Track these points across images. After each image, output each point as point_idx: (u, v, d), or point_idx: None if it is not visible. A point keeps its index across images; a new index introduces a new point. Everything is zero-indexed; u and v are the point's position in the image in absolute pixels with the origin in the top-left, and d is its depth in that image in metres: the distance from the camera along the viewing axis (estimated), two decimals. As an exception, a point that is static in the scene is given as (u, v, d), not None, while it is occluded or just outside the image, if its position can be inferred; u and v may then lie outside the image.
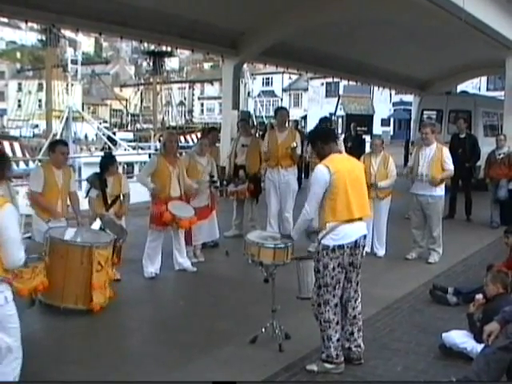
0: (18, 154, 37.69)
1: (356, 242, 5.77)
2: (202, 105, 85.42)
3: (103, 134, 42.51)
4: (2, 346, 4.57)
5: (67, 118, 39.49)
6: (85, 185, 9.22)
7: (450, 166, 9.98)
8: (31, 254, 5.89)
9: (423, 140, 10.11)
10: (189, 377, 5.63)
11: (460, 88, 28.16)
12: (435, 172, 9.83)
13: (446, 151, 10.07)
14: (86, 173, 18.83)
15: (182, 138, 41.47)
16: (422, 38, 17.30)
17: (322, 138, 6.08)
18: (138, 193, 10.33)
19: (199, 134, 32.19)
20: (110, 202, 8.64)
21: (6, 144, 38.18)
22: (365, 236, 5.96)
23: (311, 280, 6.08)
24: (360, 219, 5.85)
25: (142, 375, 5.65)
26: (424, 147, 10.05)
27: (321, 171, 5.75)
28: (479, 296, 6.29)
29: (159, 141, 38.59)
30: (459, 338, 6.13)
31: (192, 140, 43.57)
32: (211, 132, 12.11)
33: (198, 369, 5.83)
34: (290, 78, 75.54)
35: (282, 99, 74.70)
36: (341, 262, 5.70)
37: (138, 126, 63.71)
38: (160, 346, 6.50)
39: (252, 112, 51.82)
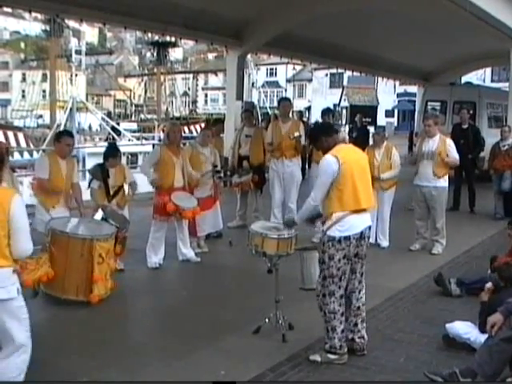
0: (22, 144, 37.75)
1: (362, 233, 5.77)
2: (206, 95, 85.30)
3: (107, 124, 42.51)
4: (20, 337, 4.60)
5: (71, 109, 39.58)
6: (88, 175, 9.23)
7: (454, 154, 9.96)
8: (35, 245, 5.90)
9: (426, 132, 10.10)
10: (192, 367, 5.65)
11: (464, 79, 28.09)
12: (439, 163, 9.82)
13: (449, 142, 10.06)
14: (90, 163, 18.89)
15: (185, 129, 41.42)
16: (426, 28, 17.24)
17: (323, 132, 6.07)
18: (141, 183, 10.33)
19: (203, 125, 32.25)
20: (112, 192, 8.64)
21: (11, 134, 38.24)
22: (369, 227, 5.96)
23: (315, 271, 6.08)
24: (365, 210, 5.84)
25: (144, 365, 5.67)
26: (427, 139, 10.03)
27: (329, 161, 5.71)
28: (489, 284, 6.28)
29: (163, 131, 38.60)
30: (462, 328, 6.13)
31: (196, 130, 43.50)
32: (217, 124, 12.08)
33: (201, 359, 5.84)
34: (294, 68, 75.37)
35: (285, 90, 74.60)
36: (347, 254, 5.69)
37: (142, 116, 63.60)
38: (163, 335, 6.53)
39: (256, 103, 51.77)
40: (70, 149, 8.31)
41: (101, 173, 8.60)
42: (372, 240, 9.97)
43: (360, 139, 17.24)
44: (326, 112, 11.94)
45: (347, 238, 5.67)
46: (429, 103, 20.70)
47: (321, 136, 6.05)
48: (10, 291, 4.51)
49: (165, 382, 5.35)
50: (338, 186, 5.66)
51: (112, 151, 8.96)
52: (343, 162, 5.66)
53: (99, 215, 8.18)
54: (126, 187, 8.86)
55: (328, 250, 5.69)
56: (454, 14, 13.41)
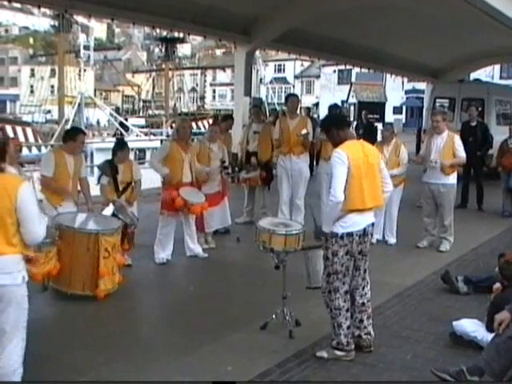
0: (31, 139, 37.84)
1: (365, 229, 5.75)
2: (214, 91, 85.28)
3: (115, 120, 42.58)
4: (19, 325, 4.61)
5: (79, 104, 39.67)
6: (97, 171, 9.25)
7: (461, 153, 9.93)
8: (44, 239, 5.91)
9: (434, 128, 10.05)
10: (198, 362, 5.66)
11: (473, 76, 27.96)
12: (446, 160, 9.79)
13: (457, 139, 10.01)
14: (98, 158, 18.91)
15: (193, 125, 41.45)
16: (435, 25, 17.15)
17: (336, 125, 5.98)
18: (150, 179, 10.37)
19: (211, 121, 32.25)
20: (121, 188, 8.66)
21: (19, 129, 38.34)
22: (373, 224, 5.93)
23: (320, 269, 6.08)
24: (371, 209, 5.81)
25: (151, 360, 5.69)
26: (435, 135, 9.99)
27: (339, 154, 5.64)
28: (497, 285, 6.26)
29: (171, 127, 38.68)
30: (470, 326, 6.12)
31: (204, 126, 43.55)
32: (226, 120, 12.09)
33: (208, 354, 5.85)
34: (302, 64, 75.35)
35: (293, 86, 74.53)
36: (349, 250, 5.68)
37: (150, 112, 63.77)
38: (170, 331, 6.54)
39: (264, 99, 51.76)
40: (83, 146, 8.35)
41: (110, 169, 8.62)
42: (380, 237, 10.02)
43: (366, 136, 17.19)
44: (333, 108, 11.93)
45: (350, 235, 5.66)
46: (437, 100, 20.62)
47: (332, 128, 5.97)
48: (16, 278, 4.51)
49: (165, 381, 5.34)
50: (345, 184, 5.60)
51: (120, 145, 8.97)
52: (351, 158, 5.61)
53: (110, 210, 8.19)
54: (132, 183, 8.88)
55: (331, 247, 5.69)
56: (463, 10, 13.36)
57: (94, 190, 8.65)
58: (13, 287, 4.51)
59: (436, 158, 9.82)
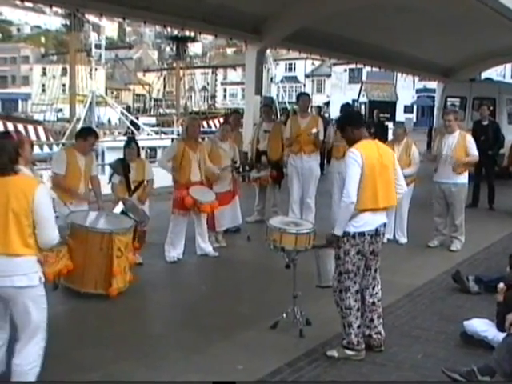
0: (42, 137, 38.01)
1: (377, 229, 5.74)
2: (225, 90, 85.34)
3: (126, 119, 42.67)
4: (39, 322, 4.66)
5: (90, 103, 39.77)
6: (108, 170, 9.27)
7: (474, 151, 9.90)
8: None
9: (446, 128, 10.00)
10: (209, 361, 5.67)
11: (484, 75, 27.87)
12: (459, 159, 9.76)
13: (469, 138, 9.97)
14: (109, 157, 18.99)
15: (204, 123, 41.48)
16: (446, 24, 17.10)
17: (352, 123, 5.94)
18: (161, 178, 10.37)
19: (222, 119, 32.28)
20: (132, 187, 8.68)
21: (31, 128, 38.49)
22: (384, 224, 5.91)
23: (330, 268, 6.07)
24: (383, 209, 5.80)
25: (161, 357, 5.71)
26: (446, 135, 9.95)
27: (354, 154, 5.62)
28: (501, 285, 6.24)
29: (182, 126, 38.68)
30: (481, 326, 6.11)
31: (214, 125, 43.56)
32: (233, 115, 12.09)
33: (219, 353, 5.87)
34: (312, 63, 75.25)
35: (304, 85, 74.43)
36: (361, 250, 5.68)
37: (161, 110, 63.74)
38: (181, 329, 6.56)
39: (275, 98, 51.74)
40: (93, 147, 8.38)
41: (122, 167, 8.64)
42: (390, 236, 10.00)
43: (377, 135, 17.16)
44: (345, 107, 11.90)
45: (362, 234, 5.65)
46: (448, 99, 20.57)
47: (347, 126, 5.94)
48: (33, 279, 4.57)
49: (165, 381, 5.35)
50: (359, 183, 5.58)
51: (127, 142, 8.98)
52: (365, 158, 5.59)
53: (119, 208, 8.22)
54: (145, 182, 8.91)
55: (343, 246, 5.68)
56: (474, 9, 13.31)
57: (106, 189, 8.68)
58: (30, 288, 4.57)
59: (448, 157, 9.79)
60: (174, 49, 55.83)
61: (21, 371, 4.67)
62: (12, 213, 4.46)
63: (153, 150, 29.05)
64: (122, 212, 8.13)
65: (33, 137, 34.98)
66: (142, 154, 14.20)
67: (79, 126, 30.40)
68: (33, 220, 4.52)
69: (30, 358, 4.67)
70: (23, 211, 4.48)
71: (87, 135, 8.13)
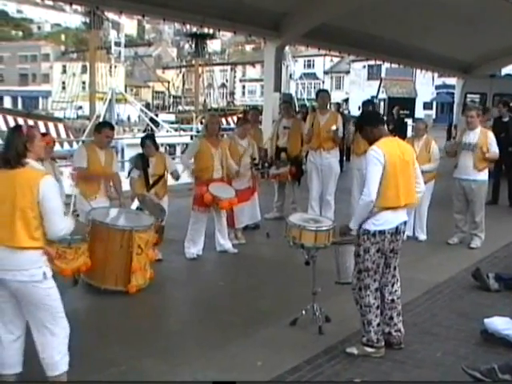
0: (63, 135, 38.14)
1: (397, 228, 5.72)
2: (244, 87, 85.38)
3: (146, 116, 42.78)
4: (56, 316, 4.71)
5: (110, 100, 39.87)
6: (127, 166, 9.31)
7: (494, 148, 9.82)
8: (75, 235, 5.98)
9: (468, 124, 9.92)
10: (229, 357, 5.70)
11: (504, 71, 27.64)
12: (479, 156, 9.69)
13: (490, 134, 9.90)
14: (129, 154, 19.04)
15: (223, 120, 41.50)
16: (466, 19, 16.99)
17: (370, 123, 5.93)
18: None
19: (239, 116, 32.25)
20: (151, 182, 8.71)
21: (51, 125, 38.71)
22: (405, 222, 5.90)
23: (350, 264, 6.07)
24: (404, 207, 5.78)
25: (181, 354, 5.73)
26: (468, 131, 9.89)
27: (376, 151, 5.60)
28: None
29: (201, 123, 38.73)
30: (502, 324, 6.07)
31: (233, 122, 43.55)
32: (251, 111, 12.12)
33: (238, 349, 5.89)
34: (331, 60, 75.08)
35: (323, 82, 74.35)
36: (381, 248, 5.66)
37: (180, 107, 63.79)
38: (200, 325, 6.58)
39: (293, 94, 51.63)
40: (109, 140, 8.43)
41: (141, 162, 8.68)
42: (410, 233, 9.95)
43: (396, 132, 17.10)
44: (366, 103, 11.88)
45: (382, 233, 5.64)
46: (468, 95, 20.44)
47: (365, 126, 5.95)
48: (34, 275, 4.57)
49: (164, 382, 5.36)
50: (381, 180, 5.57)
51: (142, 142, 9.00)
52: (387, 155, 5.58)
53: (135, 205, 8.27)
54: (167, 176, 8.93)
55: (363, 244, 5.68)
56: (495, 4, 13.21)
57: (125, 185, 8.72)
58: (33, 283, 4.57)
59: (468, 155, 9.72)
60: (193, 46, 55.82)
61: (48, 363, 4.75)
62: (18, 205, 4.50)
63: (172, 146, 29.12)
64: (137, 208, 8.18)
65: (53, 134, 35.10)
66: (162, 150, 14.23)
67: (99, 124, 30.50)
68: (39, 212, 4.55)
69: (55, 350, 4.72)
70: (29, 203, 4.51)
71: (101, 128, 8.26)
